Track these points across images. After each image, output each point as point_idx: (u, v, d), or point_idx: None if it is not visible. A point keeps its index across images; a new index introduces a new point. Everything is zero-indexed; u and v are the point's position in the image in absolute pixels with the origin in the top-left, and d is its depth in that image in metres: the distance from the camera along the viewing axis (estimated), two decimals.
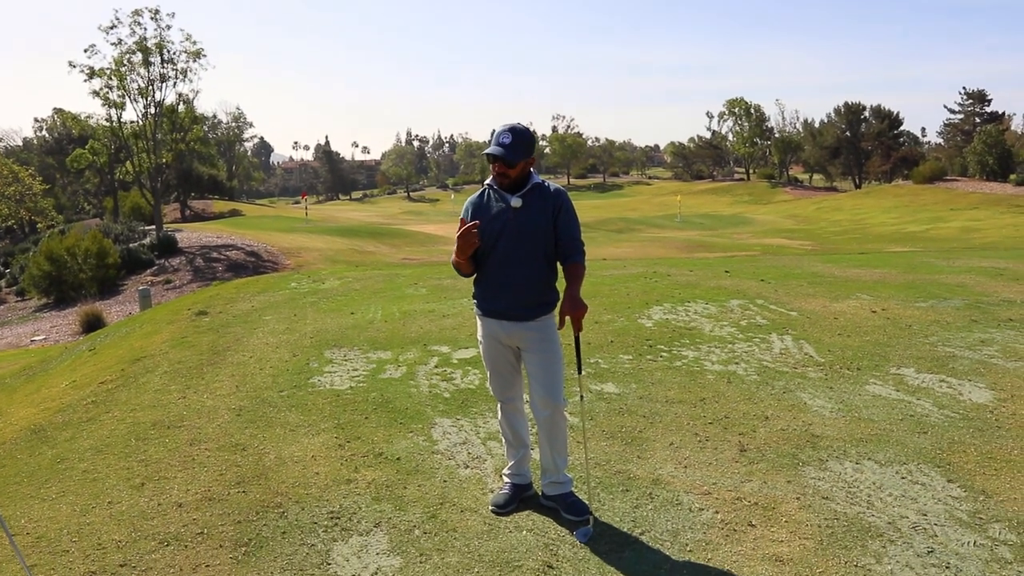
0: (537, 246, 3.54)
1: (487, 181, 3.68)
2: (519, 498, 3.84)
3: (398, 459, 4.39)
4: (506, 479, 3.90)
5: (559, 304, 3.53)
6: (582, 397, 3.77)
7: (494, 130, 3.59)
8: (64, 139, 62.35)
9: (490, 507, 3.78)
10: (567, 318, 3.42)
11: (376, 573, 3.22)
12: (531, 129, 3.70)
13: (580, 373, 3.69)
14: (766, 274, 10.79)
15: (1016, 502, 3.68)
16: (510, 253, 3.54)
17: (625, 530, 3.53)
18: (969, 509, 3.63)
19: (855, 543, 3.35)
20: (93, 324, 18.94)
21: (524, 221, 3.52)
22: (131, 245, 30.20)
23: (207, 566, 3.30)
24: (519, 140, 3.50)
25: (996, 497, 3.74)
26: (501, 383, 3.80)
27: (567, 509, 3.69)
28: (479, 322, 3.78)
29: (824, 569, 3.15)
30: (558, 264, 3.64)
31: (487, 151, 3.50)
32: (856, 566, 3.17)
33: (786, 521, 3.56)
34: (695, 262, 13.87)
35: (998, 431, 4.58)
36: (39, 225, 42.63)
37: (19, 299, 28.15)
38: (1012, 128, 77.70)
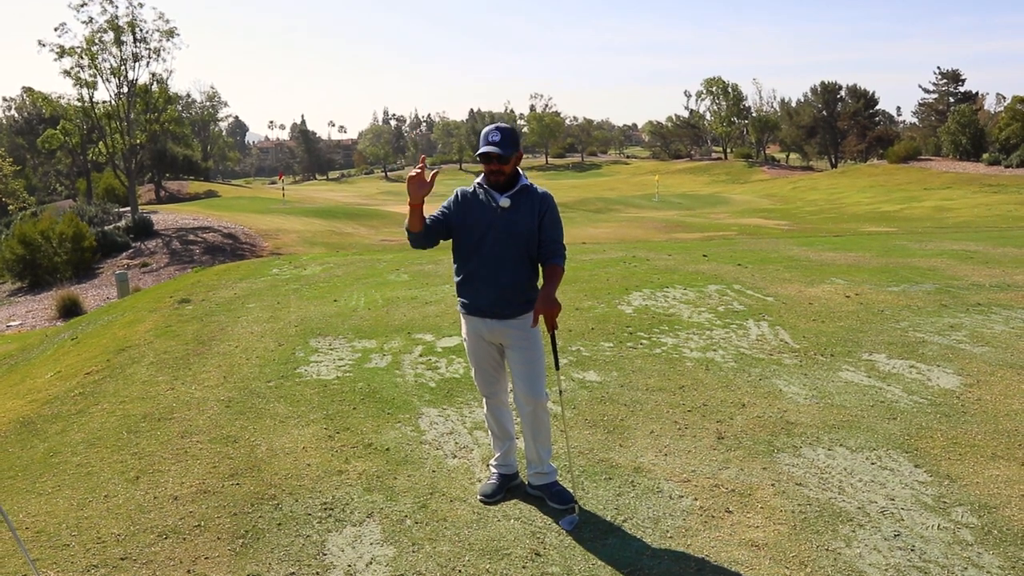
0: (522, 246, 3.64)
1: (477, 180, 3.76)
2: (506, 487, 3.97)
3: (387, 450, 4.51)
4: (493, 469, 4.04)
5: None
6: (561, 392, 3.92)
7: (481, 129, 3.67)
8: (34, 119, 61.15)
9: (478, 497, 3.91)
10: (540, 316, 3.53)
11: (371, 563, 3.35)
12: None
13: (557, 369, 3.83)
14: (743, 258, 10.99)
15: (978, 486, 3.88)
16: (496, 252, 3.64)
17: (608, 518, 3.68)
18: (934, 493, 3.82)
19: (826, 527, 3.52)
20: (70, 309, 18.80)
21: (511, 221, 3.62)
22: (106, 228, 29.77)
23: (206, 558, 3.41)
24: (508, 136, 3.58)
25: (960, 481, 3.94)
26: (486, 379, 3.92)
27: (552, 498, 3.83)
28: (463, 320, 3.89)
29: (797, 553, 3.32)
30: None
31: (480, 151, 3.57)
32: (827, 550, 3.34)
33: (761, 507, 3.73)
34: (673, 245, 14.05)
35: (963, 416, 4.78)
36: (10, 207, 42.00)
37: None
38: (985, 108, 78.71)
